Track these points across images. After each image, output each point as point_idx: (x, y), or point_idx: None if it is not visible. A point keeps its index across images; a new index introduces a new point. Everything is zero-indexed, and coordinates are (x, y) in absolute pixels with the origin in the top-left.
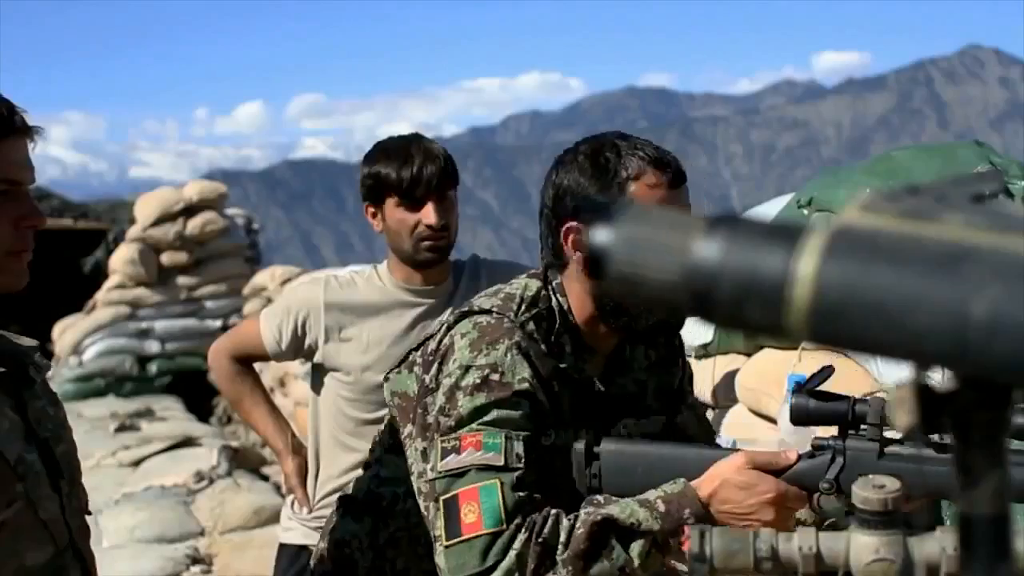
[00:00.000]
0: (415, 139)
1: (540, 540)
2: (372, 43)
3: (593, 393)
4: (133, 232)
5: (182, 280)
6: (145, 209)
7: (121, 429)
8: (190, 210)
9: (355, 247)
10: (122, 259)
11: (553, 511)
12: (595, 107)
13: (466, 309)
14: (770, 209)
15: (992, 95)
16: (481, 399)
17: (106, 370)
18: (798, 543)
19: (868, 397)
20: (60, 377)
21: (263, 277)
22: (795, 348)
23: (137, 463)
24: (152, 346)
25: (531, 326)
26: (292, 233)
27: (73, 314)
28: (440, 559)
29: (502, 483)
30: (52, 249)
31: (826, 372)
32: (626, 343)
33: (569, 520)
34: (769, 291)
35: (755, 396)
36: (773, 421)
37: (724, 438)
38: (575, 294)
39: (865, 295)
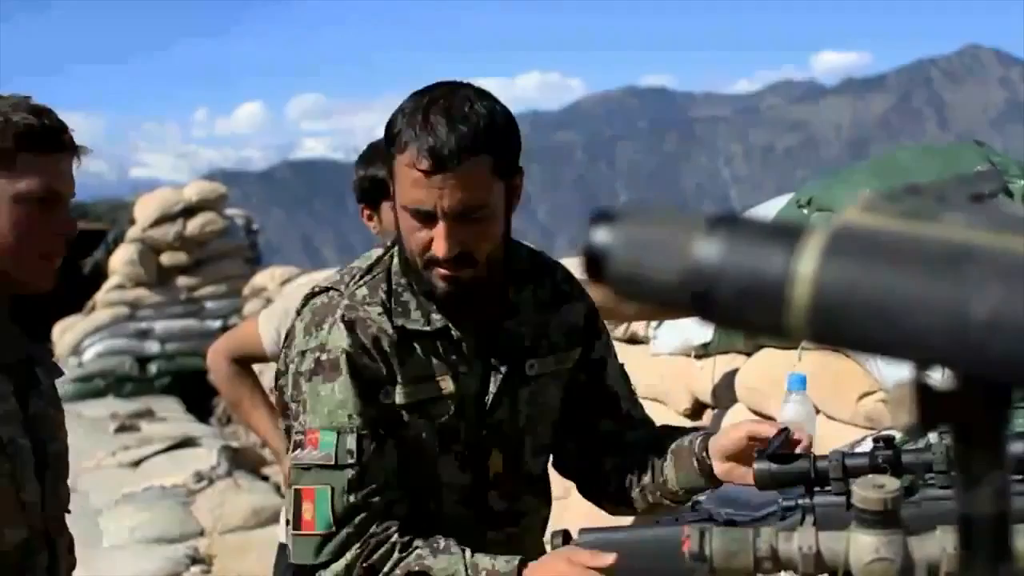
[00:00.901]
0: None
1: (367, 564)
2: (371, 43)
3: (481, 338)
4: (133, 233)
5: (182, 281)
6: (145, 210)
7: (121, 430)
8: (190, 211)
9: (355, 248)
10: (122, 260)
11: (394, 537)
12: (595, 107)
13: (309, 291)
14: (770, 209)
15: (992, 95)
16: (318, 383)
17: (106, 371)
18: (798, 543)
19: (828, 453)
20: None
21: (263, 278)
22: (795, 348)
23: (137, 463)
24: (152, 347)
25: (362, 292)
26: (292, 234)
27: (73, 315)
28: (288, 541)
29: (333, 488)
30: None
31: (783, 435)
32: (507, 286)
33: (400, 554)
34: (769, 291)
35: (755, 396)
36: (773, 421)
37: None
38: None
39: (865, 295)
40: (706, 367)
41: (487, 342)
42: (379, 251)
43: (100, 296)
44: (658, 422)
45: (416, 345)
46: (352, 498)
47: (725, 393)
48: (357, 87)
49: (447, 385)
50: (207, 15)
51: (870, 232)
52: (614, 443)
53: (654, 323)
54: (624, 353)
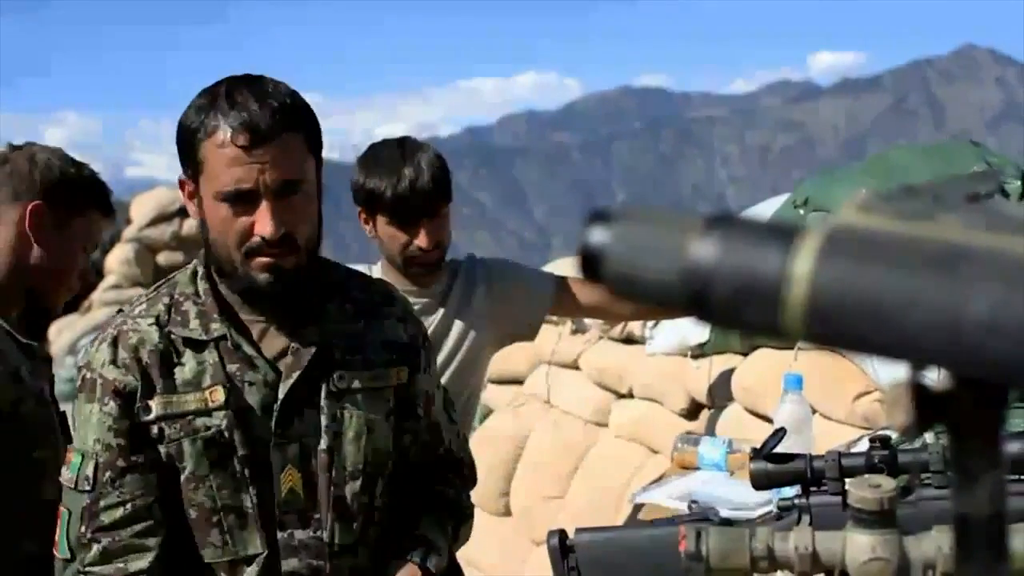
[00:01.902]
0: (409, 151)
1: None
2: (369, 43)
3: (276, 346)
4: (129, 232)
5: None
6: (141, 209)
7: None
8: (186, 210)
9: (351, 248)
10: (118, 259)
11: None
12: (591, 107)
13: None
14: (766, 209)
15: (988, 95)
16: (82, 402)
17: None
18: (794, 543)
19: (824, 453)
20: (56, 377)
21: None
22: (791, 348)
23: None
24: None
25: (140, 307)
26: None
27: (69, 314)
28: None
29: (70, 512)
30: None
31: (779, 435)
32: (312, 295)
33: None
34: (765, 291)
35: (751, 396)
36: (769, 421)
37: (720, 438)
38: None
39: (861, 295)
40: (702, 367)
41: (283, 351)
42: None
43: (96, 296)
44: (656, 423)
45: (189, 354)
46: (84, 528)
47: (721, 393)
48: (355, 87)
49: (217, 396)
50: (204, 13)
51: (866, 232)
52: (422, 488)
53: (650, 323)
54: (620, 353)
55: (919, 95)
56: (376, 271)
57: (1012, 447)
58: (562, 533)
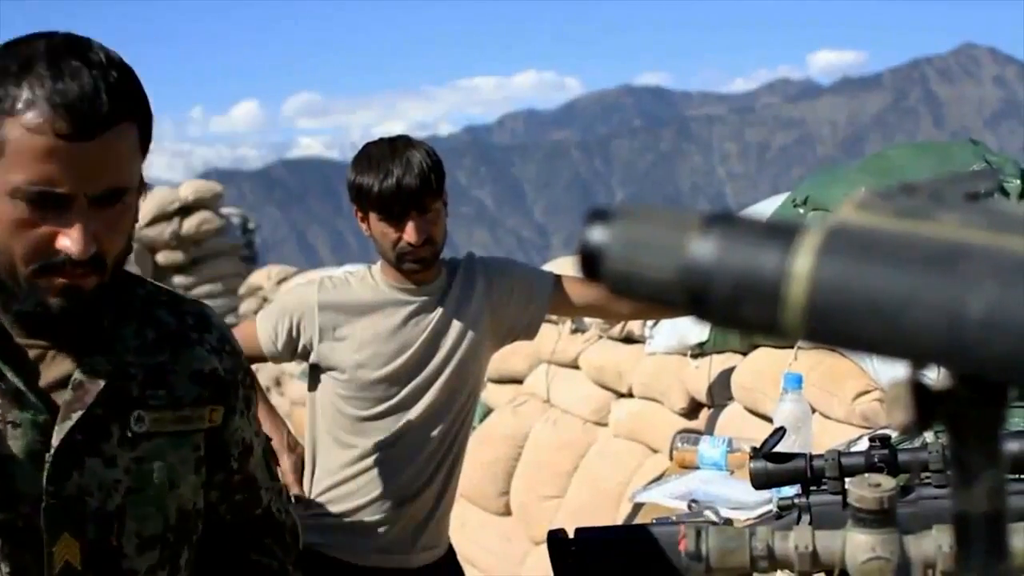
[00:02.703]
0: (399, 147)
1: None
2: (368, 41)
3: (54, 377)
4: None
5: (178, 280)
6: (140, 209)
7: None
8: (185, 209)
9: (351, 246)
10: None
11: None
12: (591, 106)
13: None
14: (766, 208)
15: (987, 94)
16: None
17: None
18: (794, 542)
19: (824, 452)
20: None
21: (259, 277)
22: (791, 347)
23: None
24: None
25: None
26: (288, 232)
27: None
28: None
29: None
30: None
31: (779, 434)
32: (104, 316)
33: None
34: (765, 289)
35: (751, 395)
36: (769, 420)
37: (719, 437)
38: None
39: (860, 293)
40: (702, 366)
41: (61, 384)
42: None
43: None
44: (656, 422)
45: None
46: None
47: (721, 392)
48: (353, 85)
49: None
50: (202, 12)
51: (865, 230)
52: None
53: (650, 322)
54: (620, 352)
55: (918, 93)
56: (375, 269)
57: (1012, 446)
58: (562, 532)
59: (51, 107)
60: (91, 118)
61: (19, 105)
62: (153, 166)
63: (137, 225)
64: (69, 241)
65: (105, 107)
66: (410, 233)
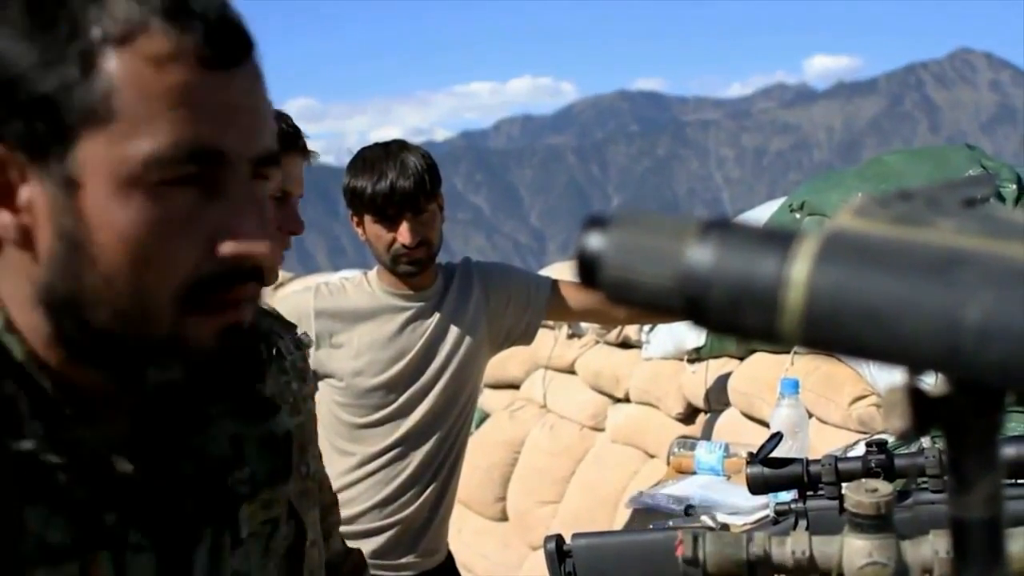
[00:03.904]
0: (394, 150)
1: None
2: (364, 47)
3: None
4: None
5: None
6: None
7: None
8: None
9: (347, 252)
10: None
11: None
12: (587, 111)
13: None
14: (762, 213)
15: (983, 99)
16: None
17: None
18: (791, 547)
19: (821, 457)
20: None
21: None
22: (787, 352)
23: None
24: None
25: None
26: None
27: None
28: None
29: None
30: None
31: (776, 439)
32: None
33: None
34: (762, 296)
35: (748, 400)
36: (766, 425)
37: (716, 442)
38: (16, 299)
39: (857, 300)
40: (699, 371)
41: (173, 479)
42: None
43: None
44: (652, 427)
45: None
46: None
47: (718, 397)
48: (349, 90)
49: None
50: None
51: (862, 237)
52: None
53: (647, 327)
54: (617, 357)
55: (914, 99)
56: (371, 275)
57: (1009, 451)
58: (559, 538)
59: (173, 20)
60: (233, 32)
61: (121, 26)
62: None
63: None
64: (243, 235)
65: (239, 16)
66: (404, 234)
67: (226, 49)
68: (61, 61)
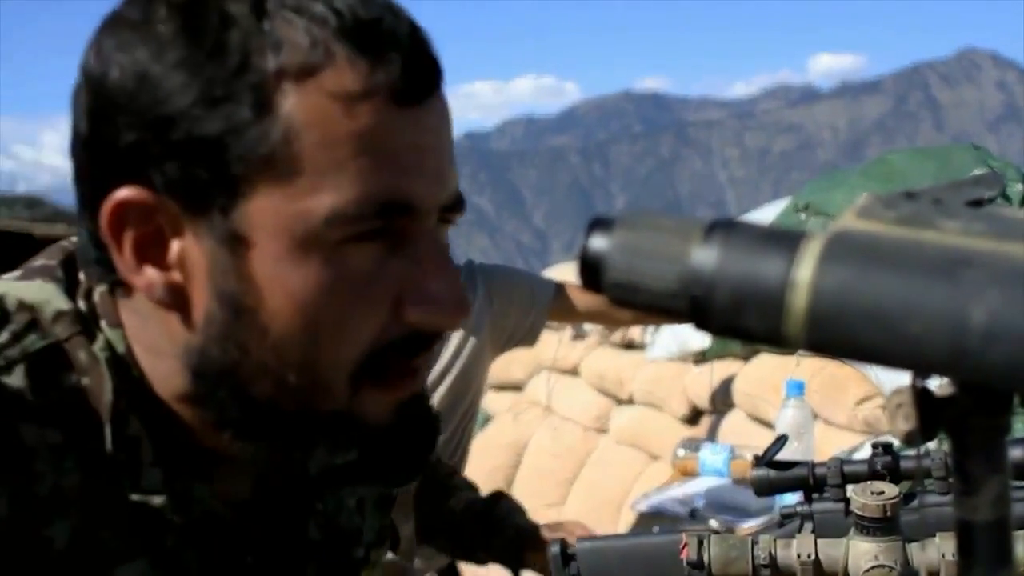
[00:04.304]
0: None
1: None
2: None
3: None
4: None
5: None
6: None
7: None
8: None
9: None
10: None
11: None
12: (590, 111)
13: None
14: (766, 213)
15: (988, 98)
16: None
17: None
18: (796, 550)
19: (827, 460)
20: None
21: None
22: (792, 353)
23: None
24: None
25: (13, 381)
26: None
27: None
28: None
29: None
30: None
31: (781, 441)
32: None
33: None
34: (766, 298)
35: (752, 401)
36: (771, 426)
37: (721, 444)
38: (151, 347)
39: (862, 302)
40: (703, 372)
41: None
42: (48, 286)
43: None
44: (657, 429)
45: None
46: None
47: (723, 399)
48: None
49: None
50: None
51: (867, 238)
52: None
53: (651, 329)
54: (621, 359)
55: (919, 98)
56: None
57: (1015, 453)
58: (563, 541)
59: (363, 50)
60: (427, 60)
61: (302, 56)
62: None
63: None
64: (432, 296)
65: (428, 37)
66: None
67: (421, 82)
68: (229, 98)
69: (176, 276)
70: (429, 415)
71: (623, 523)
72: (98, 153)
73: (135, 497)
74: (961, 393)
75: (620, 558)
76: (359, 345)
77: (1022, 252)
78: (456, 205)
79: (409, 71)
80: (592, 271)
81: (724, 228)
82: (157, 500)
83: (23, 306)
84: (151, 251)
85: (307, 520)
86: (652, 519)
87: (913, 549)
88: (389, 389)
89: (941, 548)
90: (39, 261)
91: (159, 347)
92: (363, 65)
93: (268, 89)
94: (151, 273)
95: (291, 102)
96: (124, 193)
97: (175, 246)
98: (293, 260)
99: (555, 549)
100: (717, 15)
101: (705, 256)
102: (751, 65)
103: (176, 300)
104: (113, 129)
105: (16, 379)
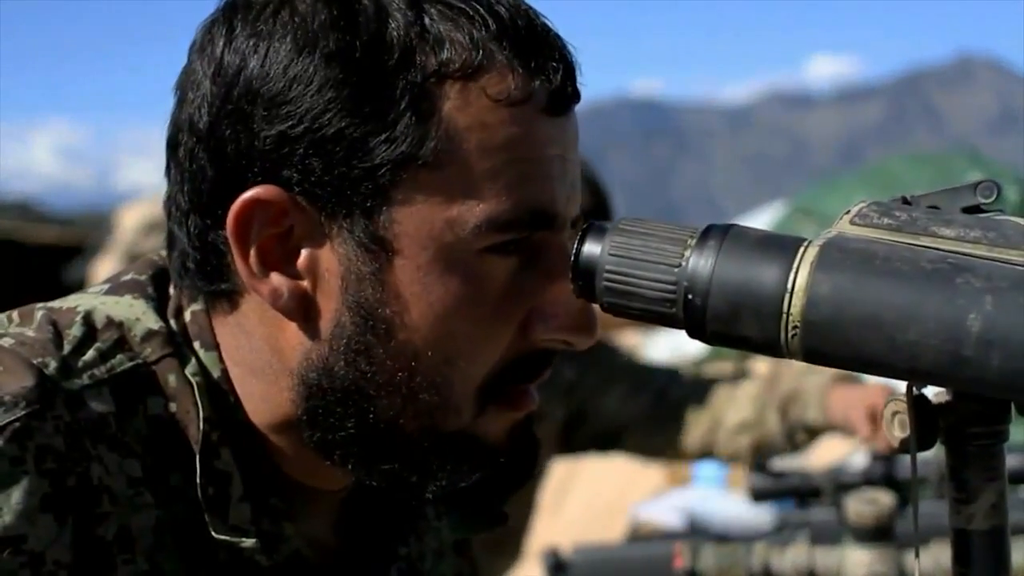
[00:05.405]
0: None
1: None
2: None
3: None
4: (120, 242)
5: None
6: (132, 217)
7: None
8: None
9: None
10: (108, 270)
11: None
12: (585, 117)
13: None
14: (762, 218)
15: (985, 104)
16: None
17: None
18: (791, 558)
19: (822, 468)
20: None
21: None
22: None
23: None
24: None
25: (98, 403)
26: None
27: None
28: None
29: None
30: (36, 262)
31: None
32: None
33: None
34: (762, 304)
35: None
36: None
37: None
38: (249, 357)
39: (857, 309)
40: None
41: None
42: (138, 303)
43: None
44: None
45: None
46: None
47: None
48: None
49: None
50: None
51: (862, 244)
52: None
53: (647, 332)
54: None
55: (916, 103)
56: None
57: (1010, 461)
58: (556, 552)
59: (523, 57)
60: (573, 71)
61: (463, 55)
62: (146, 171)
63: (131, 235)
64: (561, 314)
65: (570, 55)
66: None
67: (570, 92)
68: (386, 95)
69: (304, 283)
70: (535, 438)
71: (617, 530)
72: (225, 150)
73: (219, 536)
74: (957, 401)
75: (614, 568)
76: (488, 364)
77: (1018, 258)
78: (581, 219)
79: (564, 81)
80: (585, 278)
81: (719, 234)
82: (248, 542)
83: (111, 323)
84: (278, 255)
85: (390, 565)
86: (647, 527)
87: (908, 556)
88: (507, 409)
89: (936, 555)
90: (128, 275)
91: (263, 366)
92: (522, 71)
93: (429, 88)
94: (277, 279)
95: (452, 104)
96: (257, 192)
97: (305, 250)
98: (436, 270)
99: (549, 561)
100: (711, 16)
101: (700, 262)
102: (746, 69)
103: (302, 309)
104: (247, 124)
105: (102, 402)
